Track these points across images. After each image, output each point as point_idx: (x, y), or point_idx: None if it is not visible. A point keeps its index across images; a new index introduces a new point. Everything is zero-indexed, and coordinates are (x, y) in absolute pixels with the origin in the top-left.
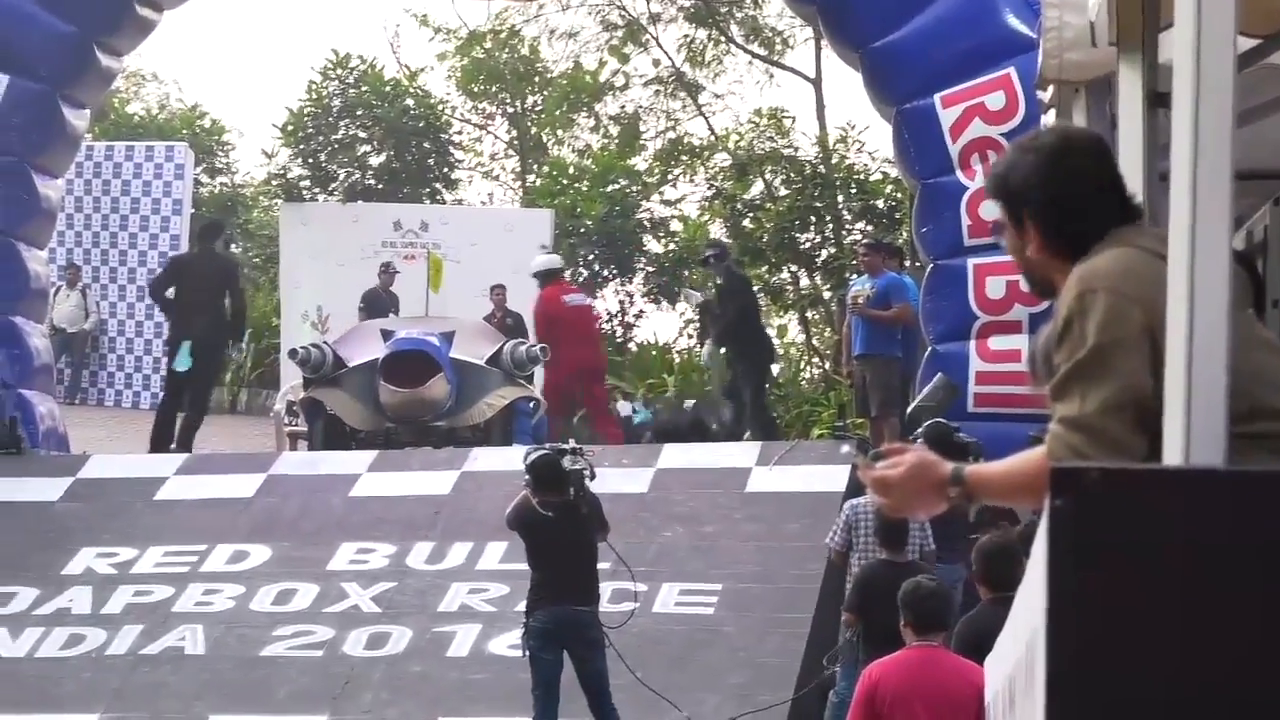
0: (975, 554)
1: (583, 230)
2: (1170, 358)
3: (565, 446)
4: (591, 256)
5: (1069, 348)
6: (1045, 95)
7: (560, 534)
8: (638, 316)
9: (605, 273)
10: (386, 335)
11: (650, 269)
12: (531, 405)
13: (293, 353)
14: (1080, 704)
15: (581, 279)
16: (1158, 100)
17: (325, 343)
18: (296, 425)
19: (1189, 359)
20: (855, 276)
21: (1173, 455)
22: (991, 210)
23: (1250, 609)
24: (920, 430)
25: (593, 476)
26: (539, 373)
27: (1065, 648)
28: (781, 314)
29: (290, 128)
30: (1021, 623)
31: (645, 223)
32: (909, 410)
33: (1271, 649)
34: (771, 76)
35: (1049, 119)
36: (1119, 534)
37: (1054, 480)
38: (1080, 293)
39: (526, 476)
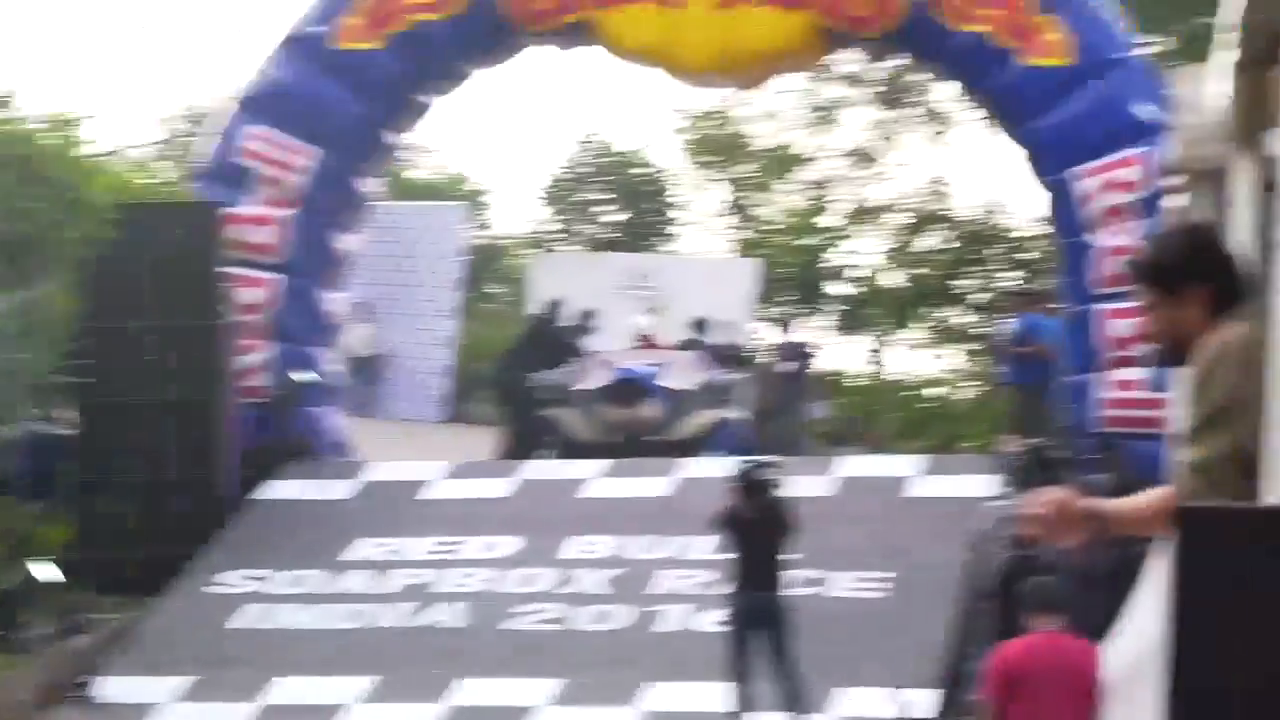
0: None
1: (782, 276)
2: (1273, 415)
3: (766, 460)
4: (788, 298)
5: (1200, 404)
6: (1175, 182)
7: (758, 532)
8: (816, 348)
9: (799, 310)
10: (608, 366)
11: (837, 307)
12: (735, 424)
13: (536, 379)
14: (1196, 699)
15: (778, 315)
16: (1269, 187)
17: (562, 375)
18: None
19: None
20: (1004, 318)
21: (1273, 496)
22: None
23: None
24: (1026, 448)
25: (780, 486)
26: None
27: (1186, 657)
28: (944, 346)
29: (554, 190)
30: (1142, 624)
31: (831, 269)
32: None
33: None
34: (939, 151)
35: (1177, 202)
36: (1230, 561)
37: (1180, 516)
38: (1214, 359)
39: (735, 483)
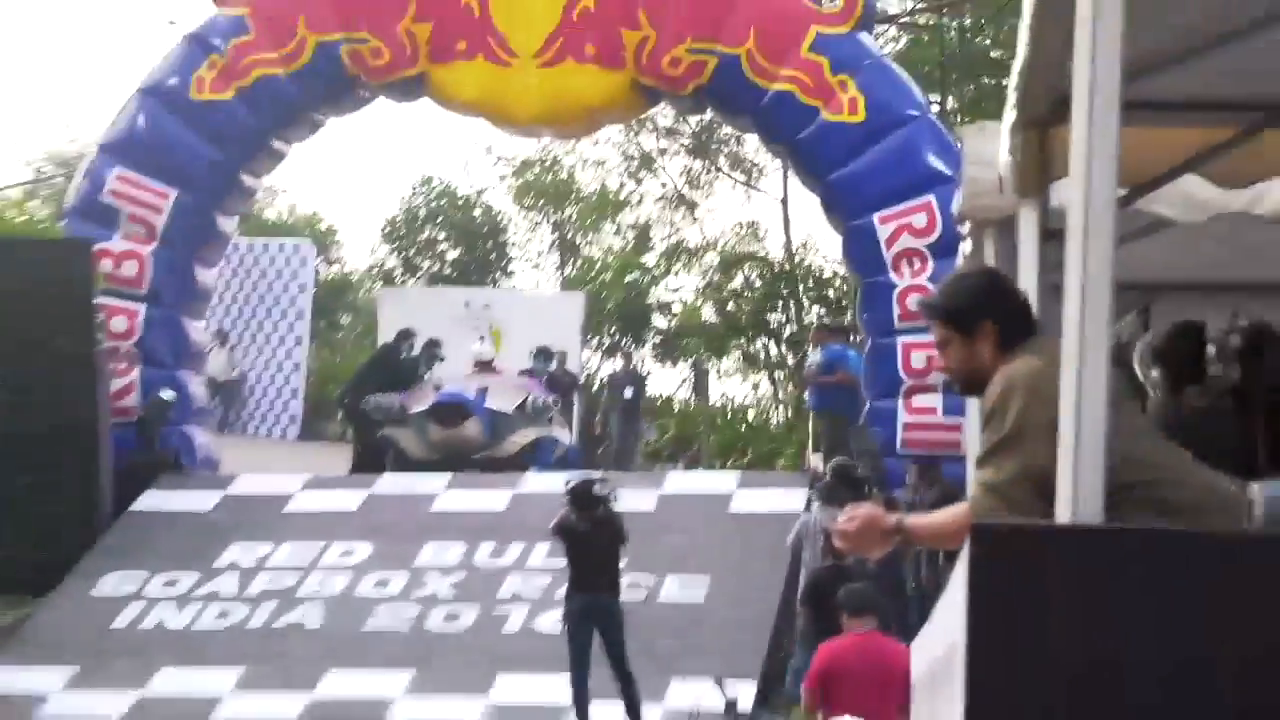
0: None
1: (607, 309)
2: (1062, 437)
3: (595, 475)
4: (613, 329)
5: (992, 430)
6: (964, 229)
7: (592, 541)
8: (647, 374)
9: (622, 341)
10: (436, 388)
11: (657, 338)
12: (553, 442)
13: (370, 401)
14: (990, 696)
15: (605, 345)
16: (1049, 235)
17: (397, 399)
18: None
19: (1076, 438)
20: (810, 349)
21: (1063, 514)
22: (916, 302)
23: (1122, 632)
24: (830, 466)
25: (617, 499)
26: None
27: (979, 659)
28: (755, 373)
29: (388, 230)
30: (941, 628)
31: (653, 304)
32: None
33: (1132, 656)
34: (749, 196)
35: (965, 247)
36: (1021, 573)
37: (973, 532)
38: (1004, 390)
39: (566, 497)
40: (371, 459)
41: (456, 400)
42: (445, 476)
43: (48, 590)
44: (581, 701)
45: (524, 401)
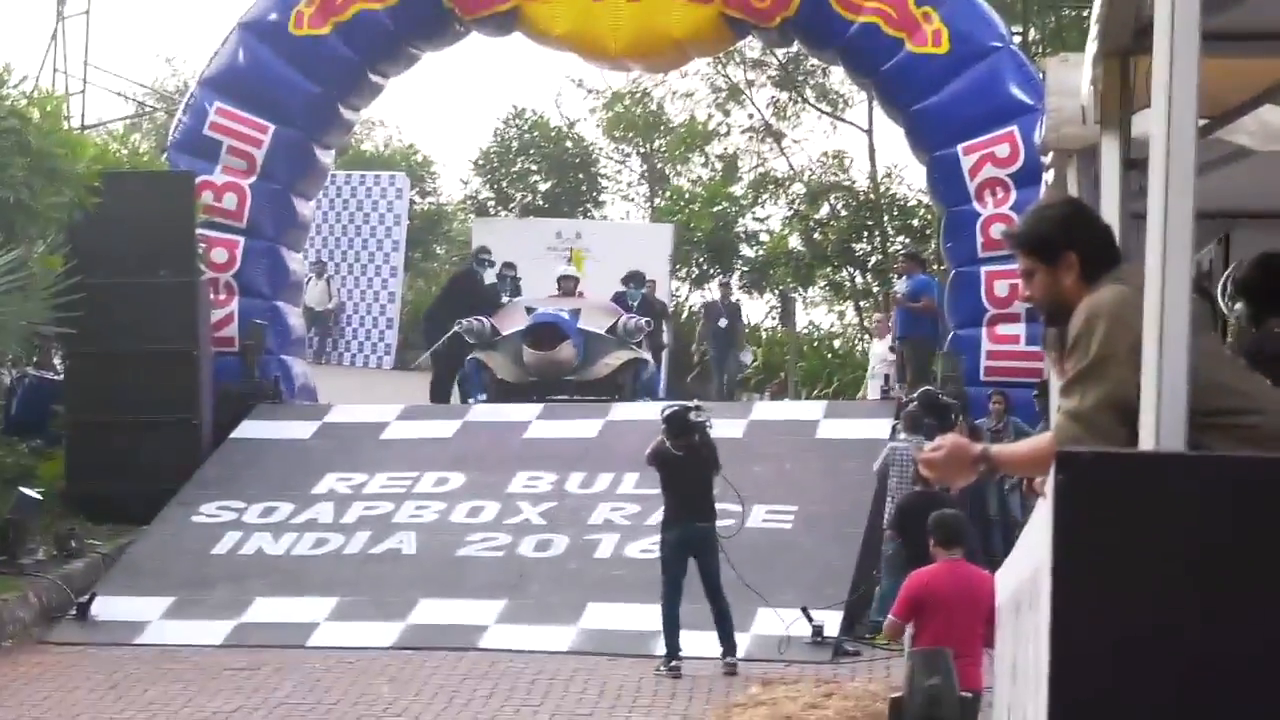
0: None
1: (695, 239)
2: (1145, 365)
3: (691, 403)
4: (701, 259)
5: (1077, 357)
6: (1046, 159)
7: (688, 469)
8: (734, 303)
9: (711, 270)
10: (529, 311)
11: (745, 268)
12: (644, 364)
13: (462, 324)
14: (1075, 621)
15: (693, 275)
16: (1131, 164)
17: (485, 318)
18: None
19: (1159, 366)
20: (895, 278)
21: (1146, 441)
22: (999, 231)
23: (1204, 557)
24: (918, 394)
25: (711, 426)
26: None
27: (1065, 583)
28: (841, 302)
29: (481, 162)
30: (1028, 555)
31: (741, 234)
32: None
33: (1214, 582)
34: (835, 127)
35: (1049, 177)
36: (1105, 500)
37: (1058, 460)
38: (1088, 317)
39: (663, 425)
40: (448, 384)
41: (553, 321)
42: (537, 407)
43: (148, 519)
44: (673, 631)
45: (615, 324)
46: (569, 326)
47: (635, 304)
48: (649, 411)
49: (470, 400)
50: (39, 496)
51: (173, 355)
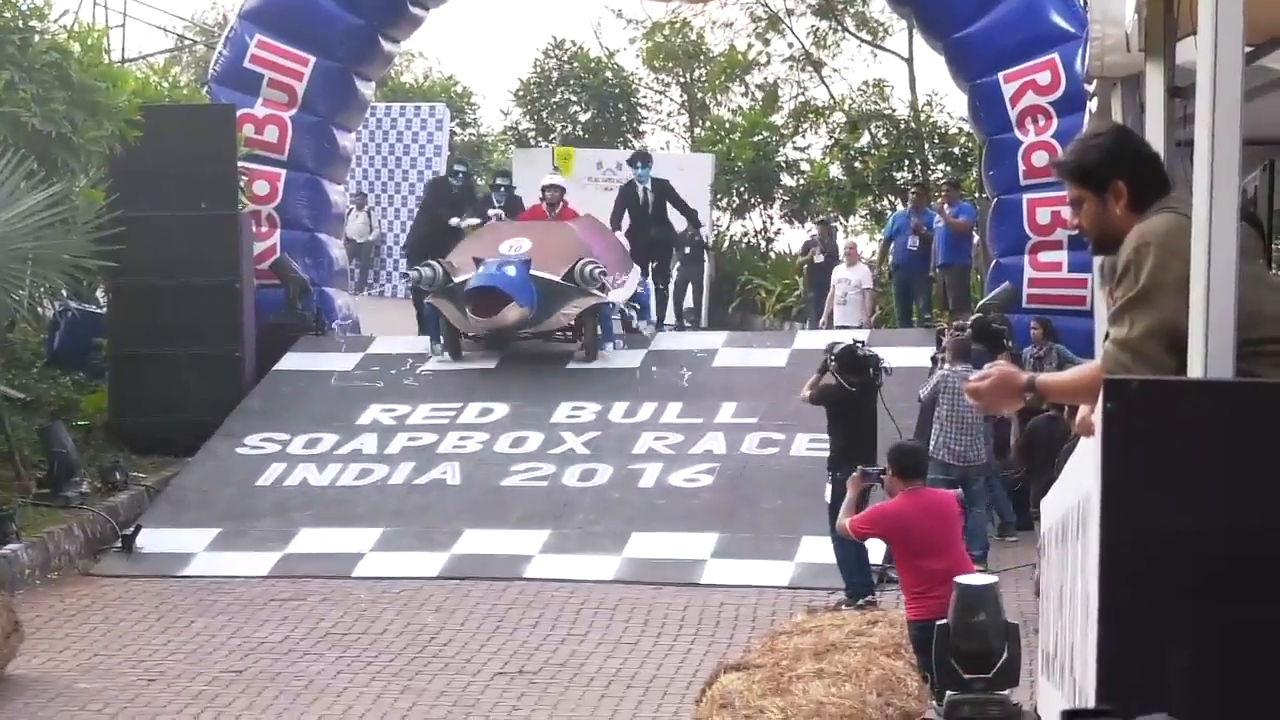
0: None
1: (736, 169)
2: (1193, 294)
3: (859, 340)
4: (742, 189)
5: (1126, 286)
6: (1090, 87)
7: (862, 407)
8: (776, 233)
9: (752, 200)
10: (478, 262)
11: (785, 198)
12: (606, 309)
13: (413, 272)
14: (1125, 544)
15: (734, 205)
16: (1175, 92)
17: (439, 261)
18: None
19: (1206, 294)
20: (941, 205)
21: (1194, 369)
22: (1044, 159)
23: (1251, 483)
24: (971, 321)
25: (887, 366)
26: None
27: (1114, 509)
28: (882, 230)
29: (520, 93)
30: (1073, 484)
31: (781, 164)
32: (977, 306)
33: (1261, 506)
34: (875, 55)
35: (1093, 105)
36: (1153, 428)
37: (1106, 388)
38: (1137, 246)
39: (833, 362)
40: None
41: (491, 287)
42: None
43: (191, 452)
44: (861, 569)
45: (572, 268)
46: (513, 287)
47: (646, 185)
48: (683, 341)
49: (431, 345)
50: (82, 430)
51: (215, 288)
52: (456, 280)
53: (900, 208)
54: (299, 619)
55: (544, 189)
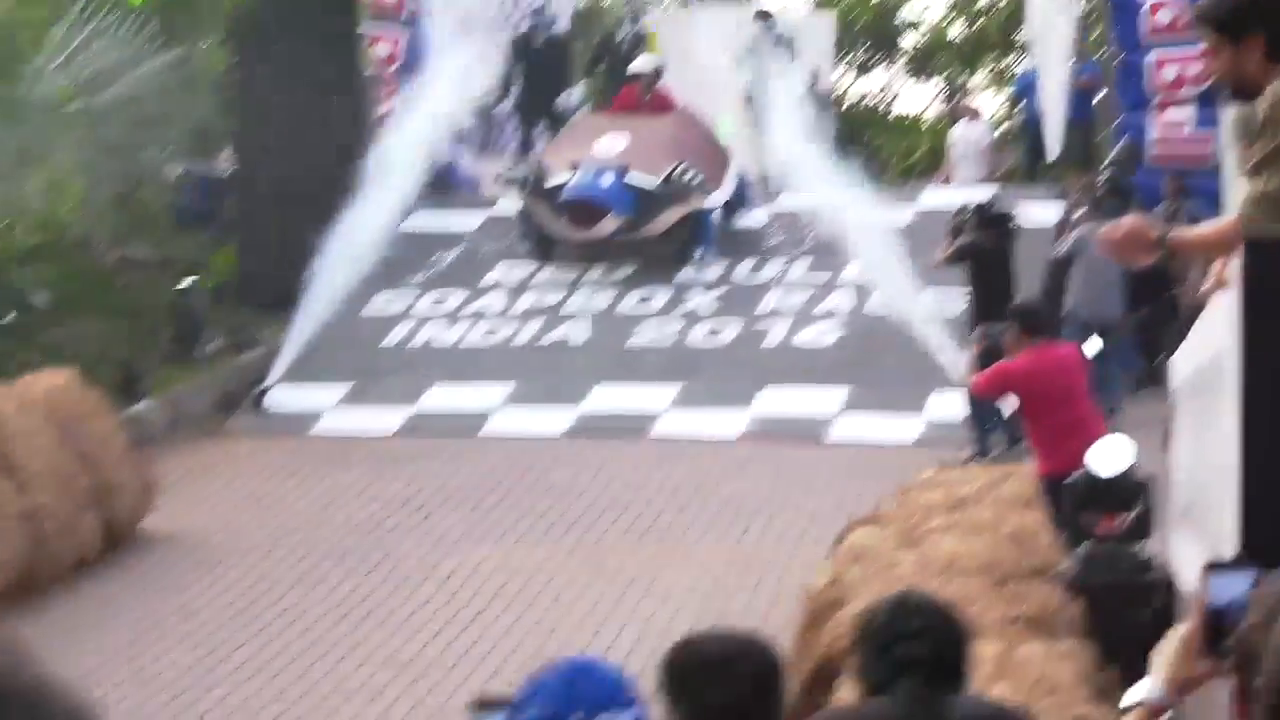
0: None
1: (857, 28)
2: None
3: (992, 198)
4: (863, 48)
5: (1264, 140)
6: None
7: (1005, 261)
8: (895, 96)
9: (871, 59)
10: (574, 166)
11: (906, 56)
12: (705, 215)
13: (503, 174)
14: (1264, 395)
15: (857, 63)
16: None
17: (536, 161)
18: None
19: None
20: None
21: None
22: (1167, 17)
23: None
24: (1100, 177)
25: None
26: None
27: (1255, 362)
28: (1004, 89)
29: None
30: (1207, 339)
31: (902, 23)
32: (1103, 165)
33: None
34: None
35: None
36: None
37: (1246, 243)
38: (1275, 101)
39: (973, 219)
40: None
41: (587, 198)
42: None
43: (319, 311)
44: (986, 425)
45: (671, 173)
46: (610, 197)
47: (774, 31)
48: (809, 199)
49: (522, 245)
50: (212, 287)
51: (338, 149)
52: (550, 183)
53: (1024, 66)
54: (428, 476)
55: (630, 77)
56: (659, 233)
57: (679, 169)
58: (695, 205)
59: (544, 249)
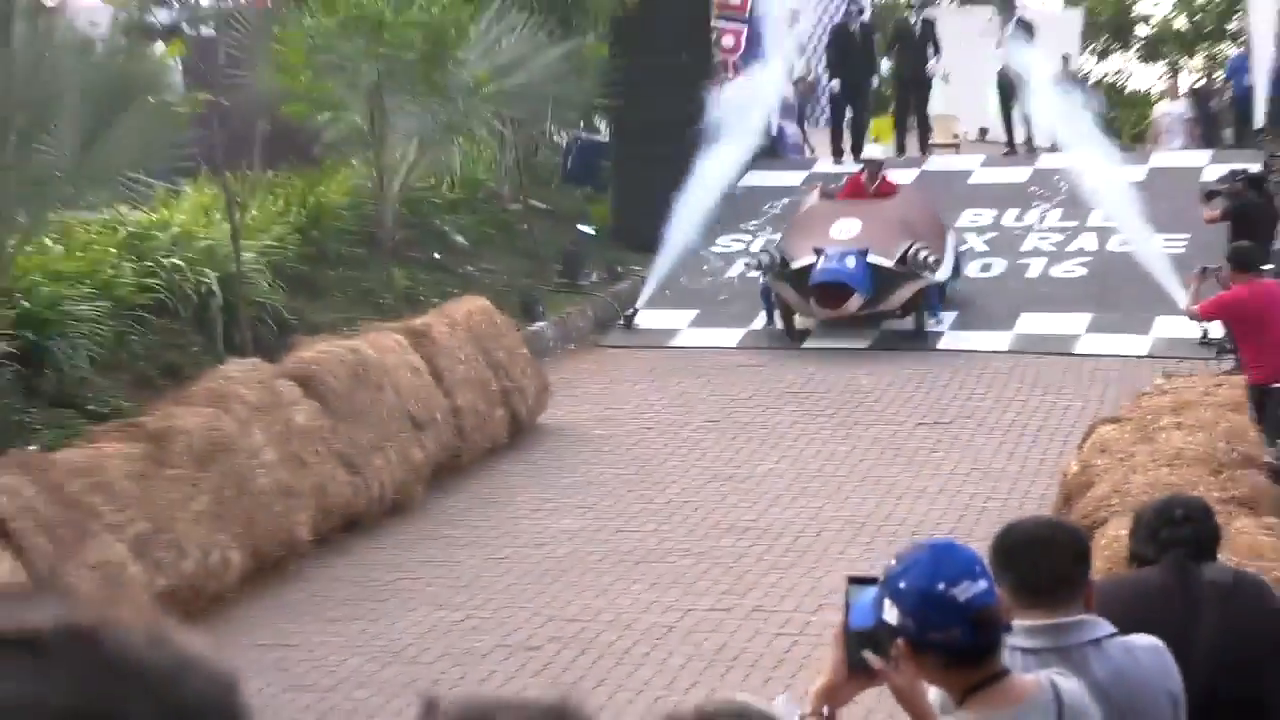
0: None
1: (1099, 21)
2: None
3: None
4: (1104, 37)
5: None
6: None
7: (1263, 216)
8: (1129, 76)
9: (1111, 47)
10: (818, 252)
11: (1139, 44)
12: (935, 290)
13: (750, 257)
14: None
15: (1098, 50)
16: None
17: (775, 248)
18: None
19: None
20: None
21: None
22: None
23: None
24: None
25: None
26: None
27: None
28: (1218, 71)
29: None
30: None
31: (1136, 17)
32: None
33: None
34: None
35: None
36: None
37: None
38: None
39: (1239, 183)
40: None
41: (838, 280)
42: (979, 156)
43: (676, 249)
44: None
45: (904, 254)
46: (855, 279)
47: (1022, 22)
48: (1060, 160)
49: (767, 324)
50: (593, 232)
51: (691, 120)
52: (794, 266)
53: (1232, 51)
54: (762, 380)
55: (866, 162)
56: (893, 308)
57: (912, 248)
58: (927, 280)
59: (788, 326)
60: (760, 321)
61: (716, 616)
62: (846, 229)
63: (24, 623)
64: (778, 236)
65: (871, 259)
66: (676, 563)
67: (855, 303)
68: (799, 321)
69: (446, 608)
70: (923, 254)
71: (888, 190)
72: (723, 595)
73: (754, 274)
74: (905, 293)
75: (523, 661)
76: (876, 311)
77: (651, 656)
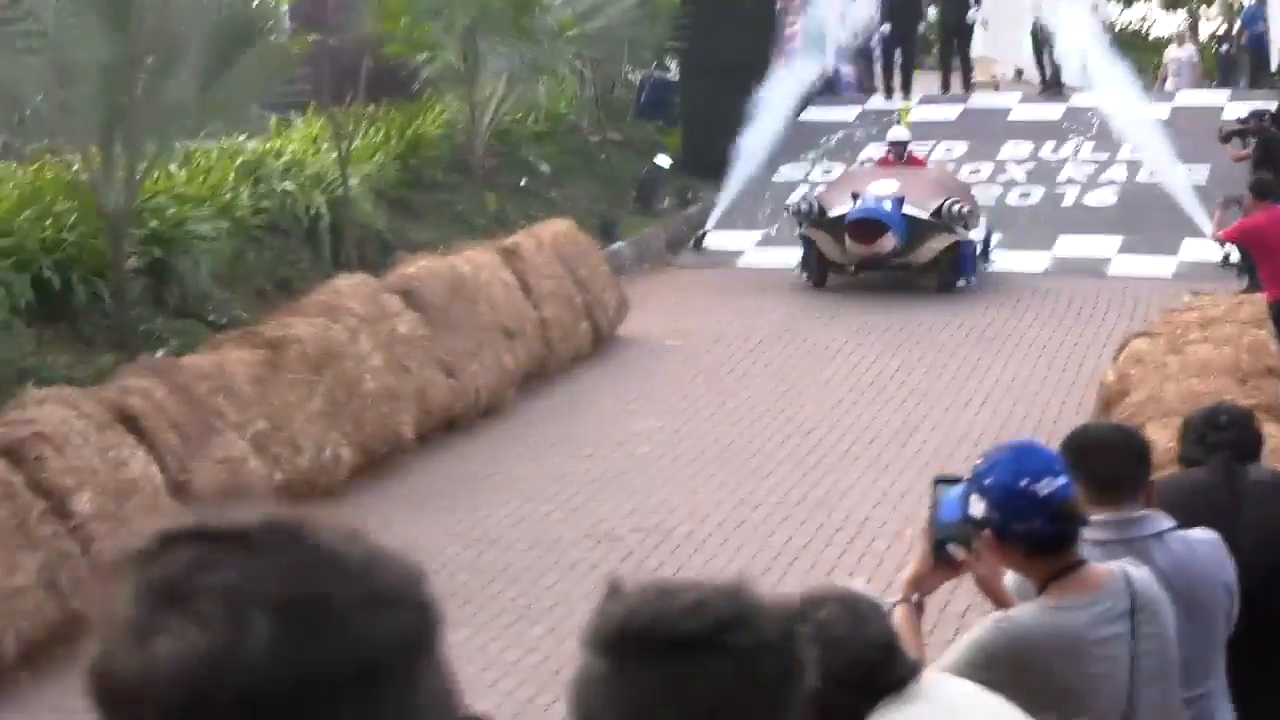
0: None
1: None
2: None
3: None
4: None
5: None
6: None
7: None
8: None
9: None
10: (855, 197)
11: None
12: (969, 246)
13: (790, 205)
14: None
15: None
16: None
17: (815, 198)
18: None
19: None
20: None
21: None
22: None
23: None
24: None
25: None
26: None
27: None
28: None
29: None
30: None
31: None
32: None
33: None
34: None
35: None
36: None
37: None
38: None
39: (1269, 120)
40: None
41: (874, 217)
42: (1016, 94)
43: (742, 178)
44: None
45: (940, 207)
46: (890, 219)
47: None
48: (1089, 99)
49: (798, 271)
50: (665, 163)
51: (755, 61)
52: (831, 214)
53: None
54: (812, 297)
55: (891, 144)
56: (926, 260)
57: (948, 202)
58: (960, 236)
59: (820, 277)
60: None
61: (783, 510)
62: (885, 186)
63: (234, 520)
64: (831, 172)
65: (907, 210)
66: (747, 461)
67: (889, 242)
68: (831, 280)
69: (536, 500)
70: (956, 207)
71: (917, 164)
72: (789, 491)
73: (796, 219)
74: (937, 244)
75: (606, 550)
76: (907, 262)
77: (725, 546)
